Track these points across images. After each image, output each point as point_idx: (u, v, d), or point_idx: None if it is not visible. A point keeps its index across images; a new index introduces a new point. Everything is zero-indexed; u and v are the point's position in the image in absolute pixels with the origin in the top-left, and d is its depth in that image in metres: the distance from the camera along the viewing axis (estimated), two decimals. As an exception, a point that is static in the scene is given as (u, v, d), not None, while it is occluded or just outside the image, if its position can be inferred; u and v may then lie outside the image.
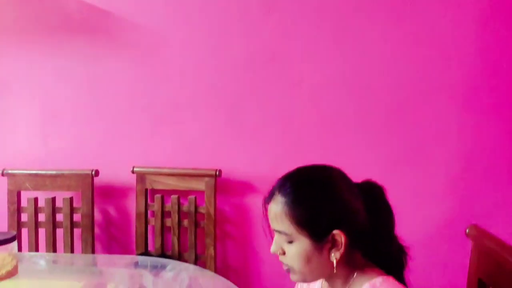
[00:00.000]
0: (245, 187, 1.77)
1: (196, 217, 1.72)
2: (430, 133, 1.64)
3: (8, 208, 1.74)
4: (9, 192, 1.74)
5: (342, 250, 0.74)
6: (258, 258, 1.80)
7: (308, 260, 0.75)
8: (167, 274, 1.30)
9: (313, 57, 1.69)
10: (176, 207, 1.73)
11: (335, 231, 0.73)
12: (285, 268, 0.79)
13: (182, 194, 1.74)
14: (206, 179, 1.68)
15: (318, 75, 1.69)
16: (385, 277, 0.75)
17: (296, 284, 0.96)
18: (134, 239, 1.78)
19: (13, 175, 1.74)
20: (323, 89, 1.69)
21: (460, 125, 1.62)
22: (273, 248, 0.79)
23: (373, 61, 1.65)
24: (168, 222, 1.75)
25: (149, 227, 1.78)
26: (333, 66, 1.67)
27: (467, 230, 0.88)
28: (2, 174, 1.74)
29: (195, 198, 1.71)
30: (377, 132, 1.67)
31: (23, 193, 1.76)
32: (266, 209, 0.80)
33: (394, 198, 0.82)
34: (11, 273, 1.24)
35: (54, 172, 1.73)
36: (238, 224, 1.81)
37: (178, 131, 1.79)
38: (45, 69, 1.83)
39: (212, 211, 1.68)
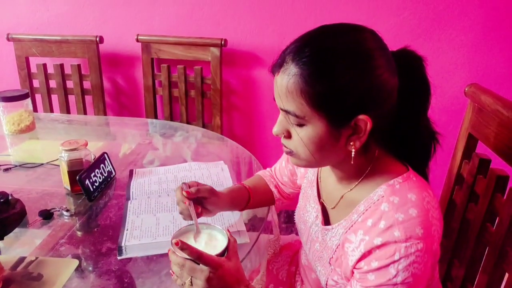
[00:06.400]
0: (251, 59, 1.75)
1: (203, 87, 1.75)
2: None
3: (19, 73, 1.77)
4: (17, 57, 1.75)
5: (363, 138, 0.59)
6: (262, 129, 1.88)
7: (321, 147, 0.60)
8: (177, 138, 1.37)
9: None
10: (183, 77, 1.74)
11: (361, 116, 0.57)
12: (286, 150, 0.65)
13: (188, 64, 1.74)
14: (212, 48, 1.66)
15: None
16: (405, 174, 0.62)
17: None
18: (144, 108, 1.84)
19: (19, 39, 1.73)
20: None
21: None
22: (276, 129, 0.63)
23: None
24: (176, 92, 1.79)
25: (157, 97, 1.83)
26: None
27: (466, 88, 0.89)
28: (8, 39, 1.73)
29: (201, 68, 1.71)
30: None
31: (31, 59, 1.78)
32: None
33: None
34: (30, 128, 1.32)
35: (58, 38, 1.72)
36: (243, 95, 1.85)
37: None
38: None
39: (218, 81, 1.70)
